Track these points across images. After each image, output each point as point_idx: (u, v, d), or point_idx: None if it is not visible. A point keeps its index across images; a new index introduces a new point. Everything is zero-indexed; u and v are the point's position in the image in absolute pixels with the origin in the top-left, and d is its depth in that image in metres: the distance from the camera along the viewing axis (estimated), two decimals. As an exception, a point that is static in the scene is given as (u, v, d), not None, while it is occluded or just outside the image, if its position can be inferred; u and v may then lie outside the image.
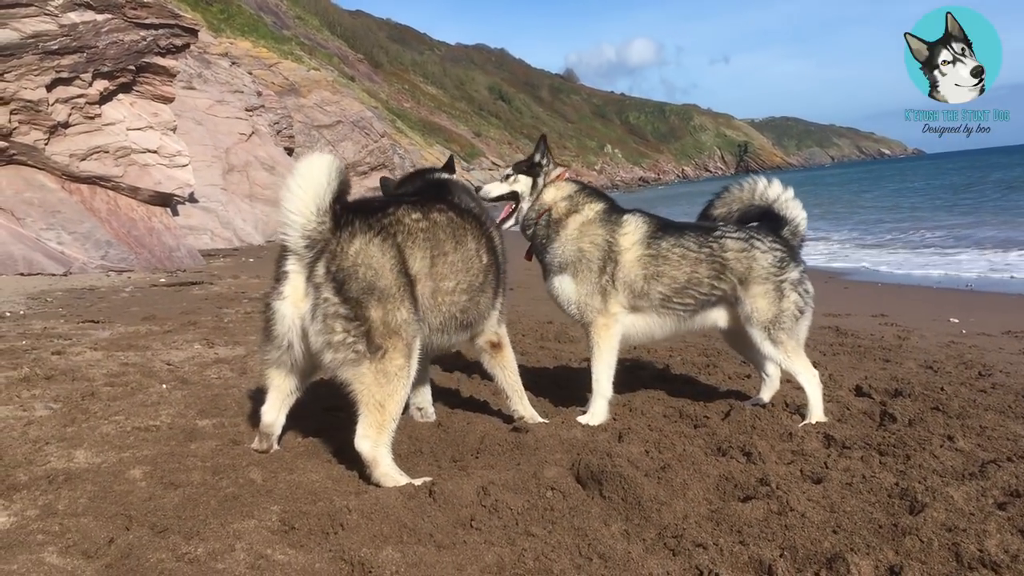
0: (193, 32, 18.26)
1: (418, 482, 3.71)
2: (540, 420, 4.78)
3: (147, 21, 16.24)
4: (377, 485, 3.73)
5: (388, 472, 3.78)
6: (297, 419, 4.70)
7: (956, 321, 9.19)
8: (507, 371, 4.78)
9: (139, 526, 3.17)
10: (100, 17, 14.99)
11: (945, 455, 4.13)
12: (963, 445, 4.29)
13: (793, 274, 4.99)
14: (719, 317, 5.13)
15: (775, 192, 5.25)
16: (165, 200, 17.17)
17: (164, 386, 5.58)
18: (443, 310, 4.21)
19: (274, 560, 2.81)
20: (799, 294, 4.98)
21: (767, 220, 5.23)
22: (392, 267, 3.86)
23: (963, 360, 6.83)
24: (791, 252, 5.07)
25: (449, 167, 5.15)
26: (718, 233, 5.08)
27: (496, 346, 4.74)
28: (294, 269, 3.84)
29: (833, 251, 20.54)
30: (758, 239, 5.03)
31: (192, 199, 20.45)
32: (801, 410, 5.07)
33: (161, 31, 16.74)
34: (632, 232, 5.02)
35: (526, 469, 3.85)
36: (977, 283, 13.24)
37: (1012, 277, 13.51)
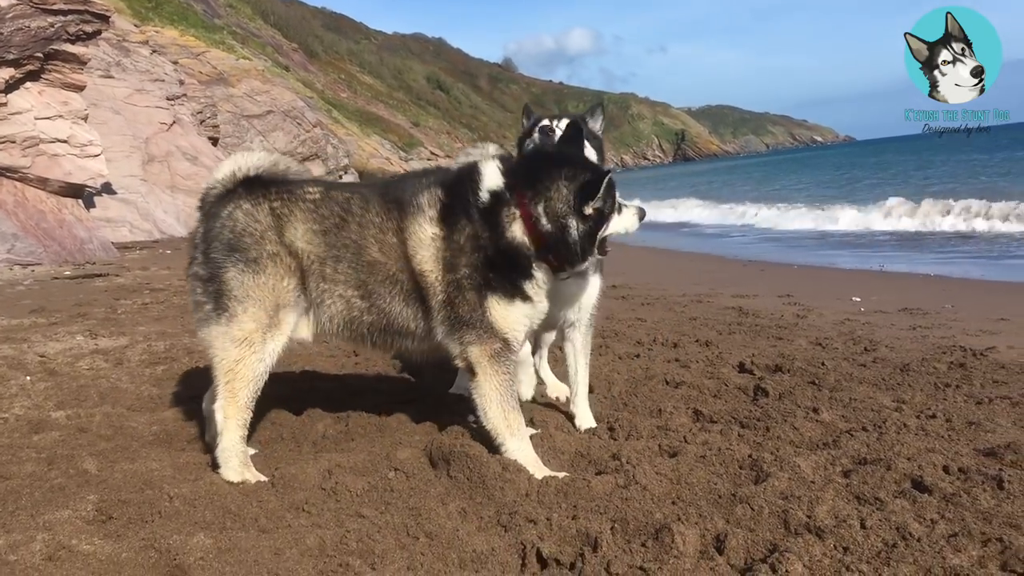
0: (104, 18, 17.64)
1: (250, 478, 3.50)
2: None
3: (55, 7, 15.64)
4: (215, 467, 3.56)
5: (228, 452, 3.55)
6: (160, 408, 4.55)
7: (858, 300, 9.34)
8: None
9: (-51, 520, 3.01)
10: (4, 3, 14.43)
11: (805, 427, 4.15)
12: (826, 417, 4.32)
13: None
14: None
15: None
16: (76, 191, 16.61)
17: (28, 378, 5.35)
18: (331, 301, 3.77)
19: (77, 550, 2.67)
20: None
21: None
22: (259, 231, 3.62)
23: (852, 336, 6.92)
24: None
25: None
26: None
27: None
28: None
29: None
30: None
31: (109, 190, 19.79)
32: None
33: (70, 17, 16.14)
34: None
35: (379, 451, 3.77)
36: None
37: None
